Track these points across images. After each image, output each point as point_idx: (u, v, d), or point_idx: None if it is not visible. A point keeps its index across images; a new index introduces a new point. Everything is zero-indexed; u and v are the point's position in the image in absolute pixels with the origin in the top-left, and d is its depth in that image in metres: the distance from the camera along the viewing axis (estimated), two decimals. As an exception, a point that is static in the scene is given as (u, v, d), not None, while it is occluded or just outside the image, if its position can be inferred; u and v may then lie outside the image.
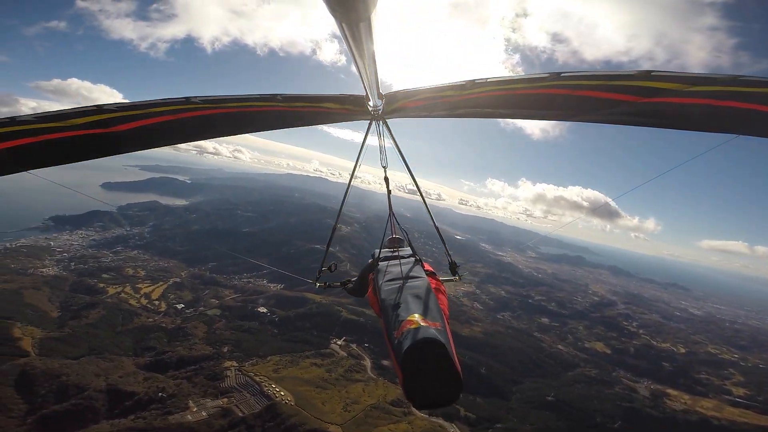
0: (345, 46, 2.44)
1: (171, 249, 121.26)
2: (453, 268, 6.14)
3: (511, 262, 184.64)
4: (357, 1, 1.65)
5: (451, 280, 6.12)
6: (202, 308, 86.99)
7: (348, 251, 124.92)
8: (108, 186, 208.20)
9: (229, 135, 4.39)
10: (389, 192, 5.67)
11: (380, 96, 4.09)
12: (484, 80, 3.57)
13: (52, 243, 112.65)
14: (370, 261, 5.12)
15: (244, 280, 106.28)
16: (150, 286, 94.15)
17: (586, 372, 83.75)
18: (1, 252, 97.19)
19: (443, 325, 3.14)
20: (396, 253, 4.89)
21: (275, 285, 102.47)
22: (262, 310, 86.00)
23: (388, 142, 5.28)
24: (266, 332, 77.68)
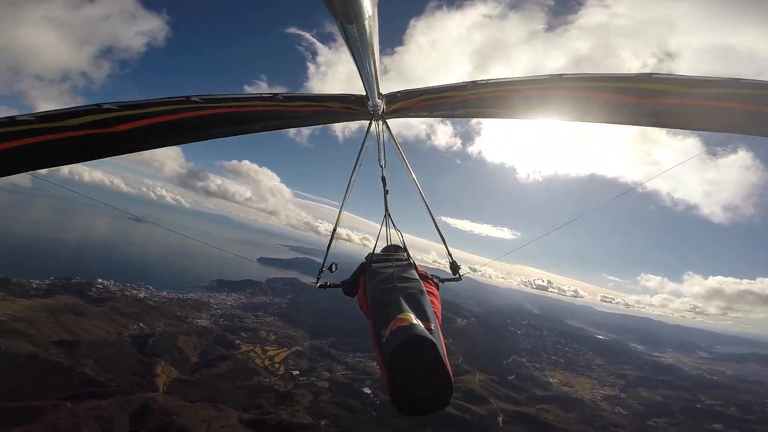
0: (345, 46, 2.34)
1: (301, 320, 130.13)
2: (454, 269, 5.99)
3: (672, 363, 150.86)
4: (357, 1, 1.64)
5: (453, 280, 6.04)
6: (314, 378, 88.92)
7: (462, 344, 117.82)
8: (262, 261, 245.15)
9: (230, 135, 4.31)
10: (386, 192, 5.74)
11: (380, 96, 3.93)
12: (485, 81, 3.56)
13: (211, 300, 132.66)
14: (363, 262, 4.97)
15: (357, 358, 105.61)
16: (276, 349, 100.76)
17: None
18: (174, 301, 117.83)
19: (435, 327, 2.91)
20: (390, 256, 4.74)
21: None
22: (367, 390, 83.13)
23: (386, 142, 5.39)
24: (366, 413, 74.09)
